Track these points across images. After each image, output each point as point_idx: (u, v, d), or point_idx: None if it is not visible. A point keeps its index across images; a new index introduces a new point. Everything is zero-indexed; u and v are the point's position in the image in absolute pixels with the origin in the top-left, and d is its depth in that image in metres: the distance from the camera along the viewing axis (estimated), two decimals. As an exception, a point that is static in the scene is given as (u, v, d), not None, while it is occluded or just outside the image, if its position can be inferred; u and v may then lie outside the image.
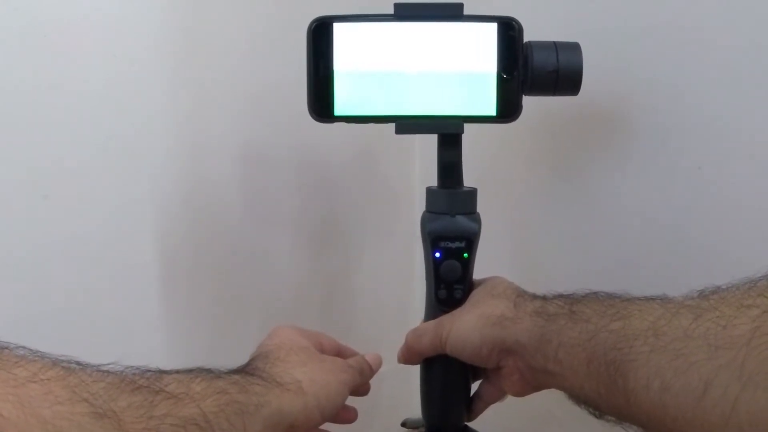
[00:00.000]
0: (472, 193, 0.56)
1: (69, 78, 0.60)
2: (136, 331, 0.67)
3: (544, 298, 0.52)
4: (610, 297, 0.49)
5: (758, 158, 0.55)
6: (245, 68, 0.71)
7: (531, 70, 0.54)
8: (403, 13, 0.53)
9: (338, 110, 0.54)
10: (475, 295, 0.55)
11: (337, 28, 0.53)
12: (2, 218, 0.58)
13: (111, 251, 0.64)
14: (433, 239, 0.56)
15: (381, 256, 0.83)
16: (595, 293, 0.50)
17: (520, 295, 0.53)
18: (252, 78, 0.71)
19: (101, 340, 0.64)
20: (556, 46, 0.54)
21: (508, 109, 0.54)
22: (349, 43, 0.54)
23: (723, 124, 0.57)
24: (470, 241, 0.55)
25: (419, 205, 0.57)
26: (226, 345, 0.72)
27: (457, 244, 0.55)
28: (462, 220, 0.56)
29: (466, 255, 0.55)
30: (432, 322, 0.56)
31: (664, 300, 0.45)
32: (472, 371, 0.58)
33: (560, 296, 0.51)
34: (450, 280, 0.56)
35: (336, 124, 0.55)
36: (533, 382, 0.52)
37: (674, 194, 0.61)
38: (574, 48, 0.54)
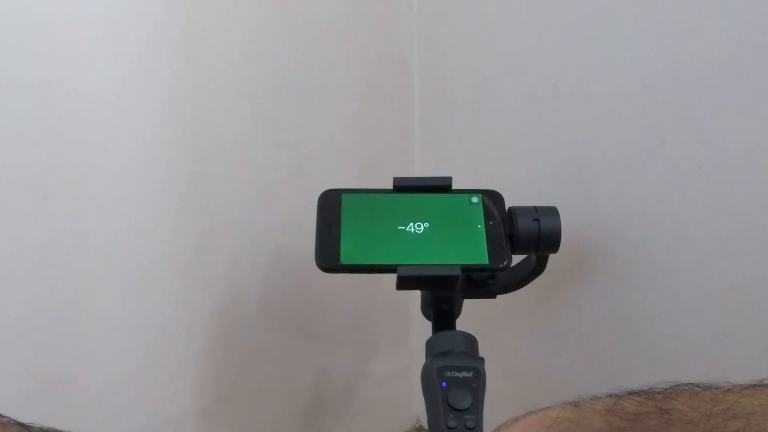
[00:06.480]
0: (472, 337, 0.56)
1: (69, 78, 0.60)
2: (134, 330, 0.61)
3: (611, 395, 0.45)
4: (705, 389, 0.43)
5: (758, 158, 0.55)
6: (246, 69, 0.71)
7: (515, 235, 0.60)
8: (401, 185, 0.63)
9: (344, 261, 0.59)
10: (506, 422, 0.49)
11: (345, 197, 0.62)
12: (2, 218, 0.57)
13: (110, 250, 0.61)
14: (438, 369, 0.53)
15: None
16: (678, 385, 0.44)
17: (576, 399, 0.46)
18: (252, 78, 0.71)
19: (99, 339, 0.59)
20: (537, 212, 0.61)
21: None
22: (355, 209, 0.61)
23: (723, 123, 0.57)
24: (478, 371, 0.53)
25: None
26: (227, 345, 0.68)
27: (464, 374, 0.53)
28: (466, 355, 0.54)
29: (475, 385, 0.52)
30: None
31: None
32: None
33: (634, 393, 0.45)
34: (459, 408, 0.51)
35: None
36: None
37: (675, 194, 0.59)
38: (553, 213, 0.62)
